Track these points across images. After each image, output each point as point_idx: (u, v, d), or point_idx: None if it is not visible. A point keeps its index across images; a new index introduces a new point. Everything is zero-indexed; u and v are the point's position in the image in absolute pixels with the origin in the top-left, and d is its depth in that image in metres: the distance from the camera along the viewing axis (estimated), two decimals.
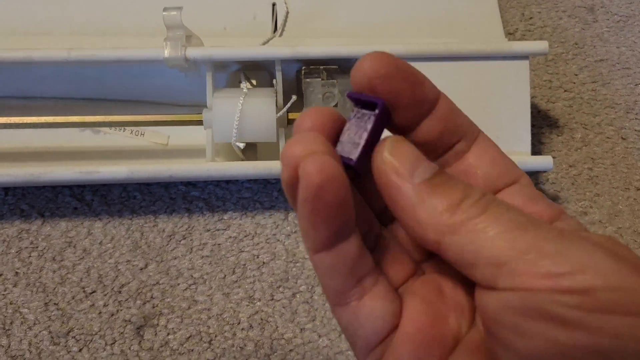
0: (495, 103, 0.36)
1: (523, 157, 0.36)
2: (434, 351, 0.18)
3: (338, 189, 0.17)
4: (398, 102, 0.19)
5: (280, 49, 0.36)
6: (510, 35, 0.46)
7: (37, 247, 0.37)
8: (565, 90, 0.44)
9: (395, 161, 0.18)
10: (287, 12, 0.45)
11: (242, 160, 0.38)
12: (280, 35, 0.44)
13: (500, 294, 0.17)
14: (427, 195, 0.18)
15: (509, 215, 0.17)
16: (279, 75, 0.36)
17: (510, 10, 0.47)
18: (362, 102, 0.19)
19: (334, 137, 0.19)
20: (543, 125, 0.42)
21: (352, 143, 0.18)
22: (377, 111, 0.18)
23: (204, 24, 0.43)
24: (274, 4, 0.45)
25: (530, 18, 0.47)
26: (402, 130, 0.20)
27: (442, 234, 0.17)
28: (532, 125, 0.37)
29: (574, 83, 0.44)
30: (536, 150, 0.41)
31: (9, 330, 0.34)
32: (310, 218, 0.17)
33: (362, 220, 0.20)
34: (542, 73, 0.44)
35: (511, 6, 0.48)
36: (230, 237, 0.37)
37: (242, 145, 0.35)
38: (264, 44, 0.43)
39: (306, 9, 0.45)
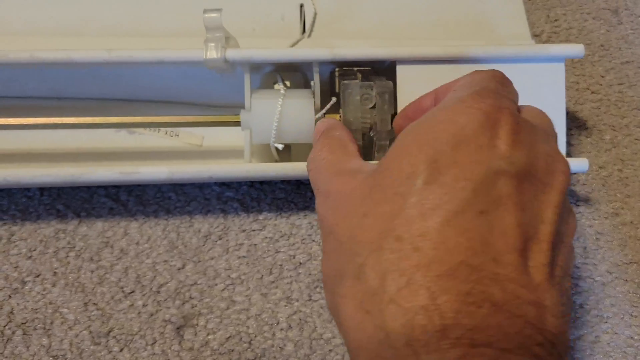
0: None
1: None
2: None
3: None
4: None
5: (318, 50, 0.36)
6: (536, 37, 0.46)
7: (74, 247, 0.37)
8: (592, 92, 0.44)
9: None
10: (315, 13, 0.45)
11: (277, 161, 0.39)
12: (309, 36, 0.44)
13: None
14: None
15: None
16: (316, 77, 0.36)
17: (535, 12, 0.48)
18: None
19: None
20: (572, 127, 0.43)
21: None
22: None
23: (233, 25, 0.43)
24: (301, 5, 0.45)
25: (556, 20, 0.47)
26: None
27: None
28: (567, 135, 0.37)
29: (601, 85, 0.44)
30: (567, 151, 0.41)
31: (49, 330, 0.34)
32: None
33: None
34: (569, 75, 0.45)
35: (536, 8, 0.48)
36: (266, 237, 0.38)
37: (280, 146, 0.36)
38: (293, 45, 0.43)
39: (333, 10, 0.45)
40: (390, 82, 0.35)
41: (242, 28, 0.43)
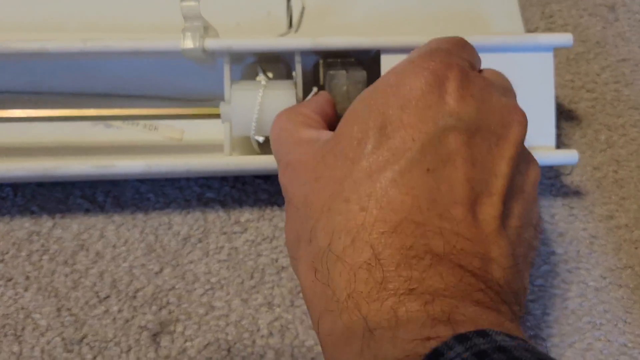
0: (519, 96, 0.35)
1: (548, 151, 0.35)
2: None
3: None
4: None
5: (300, 39, 0.35)
6: (530, 33, 0.45)
7: (48, 250, 0.35)
8: (587, 91, 0.43)
9: None
10: (303, 8, 0.43)
11: (259, 154, 0.37)
12: (296, 31, 0.42)
13: None
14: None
15: None
16: (298, 67, 0.35)
17: (530, 8, 0.46)
18: None
19: None
20: (566, 126, 0.41)
21: None
22: None
23: (217, 19, 0.42)
24: (289, 0, 0.44)
25: (551, 16, 0.46)
26: None
27: None
28: (556, 126, 0.36)
29: (597, 83, 0.43)
30: (557, 144, 0.40)
31: (20, 336, 0.33)
32: None
33: None
34: (564, 72, 0.43)
35: (531, 4, 0.46)
36: (248, 240, 0.36)
37: (261, 139, 0.34)
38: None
39: (322, 5, 0.43)
40: (364, 72, 0.34)
41: (225, 23, 0.42)
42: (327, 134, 0.27)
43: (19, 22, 0.40)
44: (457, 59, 0.25)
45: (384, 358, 0.19)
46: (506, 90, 0.27)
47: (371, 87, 0.26)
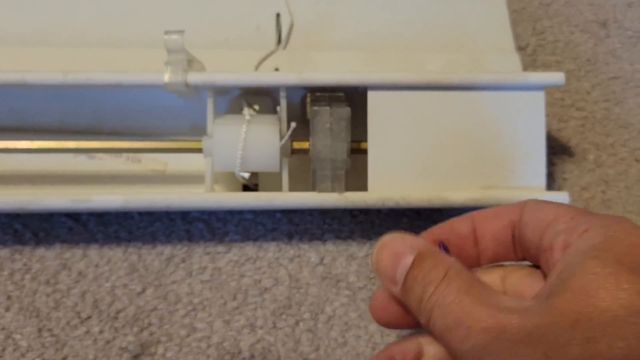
0: (509, 136, 0.35)
1: (538, 192, 0.34)
2: None
3: (380, 310, 0.24)
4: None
5: (285, 75, 0.34)
6: (521, 50, 0.45)
7: (30, 269, 0.35)
8: (577, 109, 0.42)
9: (379, 266, 0.23)
10: (292, 24, 0.43)
11: (245, 184, 0.37)
12: (285, 47, 0.42)
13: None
14: (409, 292, 0.22)
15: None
16: (283, 102, 0.34)
17: (521, 24, 0.46)
18: None
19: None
20: (555, 145, 0.41)
21: None
22: None
23: (206, 34, 0.42)
24: (278, 15, 0.43)
25: (542, 32, 0.46)
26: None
27: (425, 323, 0.22)
28: (546, 166, 0.35)
29: (587, 102, 0.43)
30: (549, 171, 0.39)
31: (1, 357, 0.33)
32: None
33: None
34: (553, 90, 0.43)
35: (522, 19, 0.46)
36: (231, 260, 0.36)
37: (246, 175, 0.34)
38: (267, 57, 0.41)
39: (311, 20, 0.43)
40: (348, 108, 0.33)
41: (214, 37, 0.42)
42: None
43: (2, 35, 0.40)
44: None
45: None
46: None
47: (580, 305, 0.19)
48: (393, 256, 0.22)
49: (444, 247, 0.24)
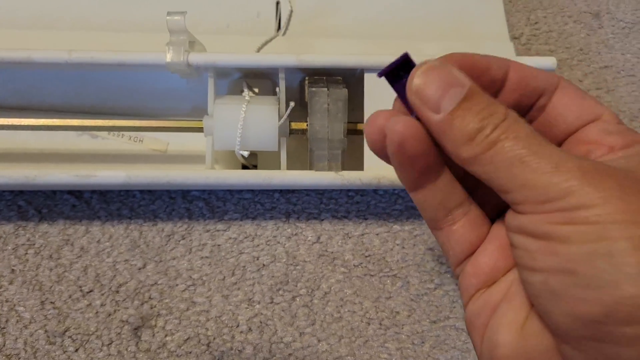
0: None
1: None
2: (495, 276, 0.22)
3: (416, 140, 0.20)
4: None
5: (284, 57, 0.35)
6: (515, 39, 0.46)
7: (34, 244, 0.36)
8: None
9: (423, 90, 0.20)
10: (291, 11, 0.44)
11: (244, 164, 0.38)
12: (284, 34, 0.43)
13: (516, 217, 0.20)
14: (457, 120, 0.20)
15: (529, 140, 0.19)
16: (282, 83, 0.35)
17: (516, 14, 0.47)
18: (394, 72, 0.21)
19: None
20: None
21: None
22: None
23: (207, 21, 0.42)
24: (277, 2, 0.44)
25: (536, 23, 0.47)
26: None
27: (473, 156, 0.20)
28: None
29: None
30: None
31: (4, 328, 0.34)
32: (399, 166, 0.21)
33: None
34: None
35: (517, 10, 0.47)
36: (230, 238, 0.37)
37: (246, 153, 0.35)
38: (267, 43, 0.42)
39: (310, 8, 0.44)
40: (345, 90, 0.34)
41: (216, 24, 0.43)
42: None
43: (6, 18, 0.41)
44: None
45: None
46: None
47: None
48: (442, 82, 0.20)
49: None
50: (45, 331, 0.34)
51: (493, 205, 0.23)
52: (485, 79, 0.22)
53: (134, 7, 0.42)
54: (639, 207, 0.17)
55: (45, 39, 0.40)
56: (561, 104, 0.23)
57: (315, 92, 0.34)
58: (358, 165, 0.35)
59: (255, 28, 0.43)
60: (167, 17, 0.34)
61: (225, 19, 0.43)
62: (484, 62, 0.22)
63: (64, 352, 0.33)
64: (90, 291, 0.35)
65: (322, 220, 0.38)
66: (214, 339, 0.34)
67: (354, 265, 0.36)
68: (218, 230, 0.37)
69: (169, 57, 0.34)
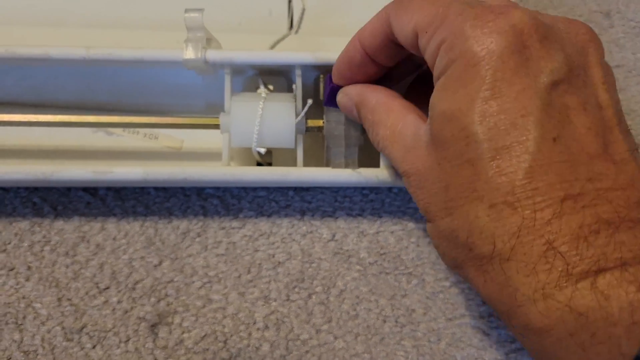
0: None
1: None
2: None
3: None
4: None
5: (300, 54, 0.35)
6: None
7: (49, 241, 0.36)
8: None
9: (341, 103, 0.34)
10: (304, 9, 0.44)
11: (258, 162, 0.38)
12: (297, 32, 0.43)
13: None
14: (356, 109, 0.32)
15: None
16: (298, 80, 0.35)
17: None
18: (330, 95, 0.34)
19: None
20: None
21: None
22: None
23: (219, 19, 0.42)
24: (290, 0, 0.44)
25: None
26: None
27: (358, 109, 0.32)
28: None
29: None
30: None
31: (21, 325, 0.34)
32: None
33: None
34: None
35: None
36: (246, 235, 0.37)
37: (263, 150, 0.35)
38: (278, 42, 0.42)
39: (323, 6, 0.44)
40: None
41: (228, 22, 0.43)
42: (421, 129, 0.26)
43: (19, 16, 0.41)
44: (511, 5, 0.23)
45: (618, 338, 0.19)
46: (553, 19, 0.24)
47: (442, 86, 0.24)
48: (347, 98, 0.32)
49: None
50: (63, 328, 0.34)
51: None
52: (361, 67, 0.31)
53: (148, 5, 0.42)
54: None
55: (58, 36, 0.40)
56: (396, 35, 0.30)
57: None
58: (374, 162, 0.35)
59: (267, 26, 0.44)
60: (185, 14, 0.34)
61: (238, 16, 0.43)
62: (345, 61, 0.32)
63: (82, 348, 0.33)
64: (107, 288, 0.35)
65: (337, 218, 0.38)
66: (231, 336, 0.34)
67: (369, 263, 0.36)
68: (233, 228, 0.37)
69: (187, 54, 0.34)
